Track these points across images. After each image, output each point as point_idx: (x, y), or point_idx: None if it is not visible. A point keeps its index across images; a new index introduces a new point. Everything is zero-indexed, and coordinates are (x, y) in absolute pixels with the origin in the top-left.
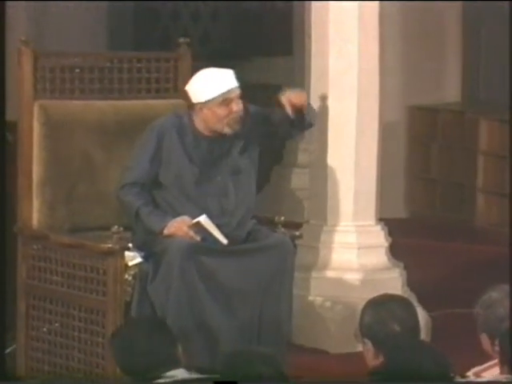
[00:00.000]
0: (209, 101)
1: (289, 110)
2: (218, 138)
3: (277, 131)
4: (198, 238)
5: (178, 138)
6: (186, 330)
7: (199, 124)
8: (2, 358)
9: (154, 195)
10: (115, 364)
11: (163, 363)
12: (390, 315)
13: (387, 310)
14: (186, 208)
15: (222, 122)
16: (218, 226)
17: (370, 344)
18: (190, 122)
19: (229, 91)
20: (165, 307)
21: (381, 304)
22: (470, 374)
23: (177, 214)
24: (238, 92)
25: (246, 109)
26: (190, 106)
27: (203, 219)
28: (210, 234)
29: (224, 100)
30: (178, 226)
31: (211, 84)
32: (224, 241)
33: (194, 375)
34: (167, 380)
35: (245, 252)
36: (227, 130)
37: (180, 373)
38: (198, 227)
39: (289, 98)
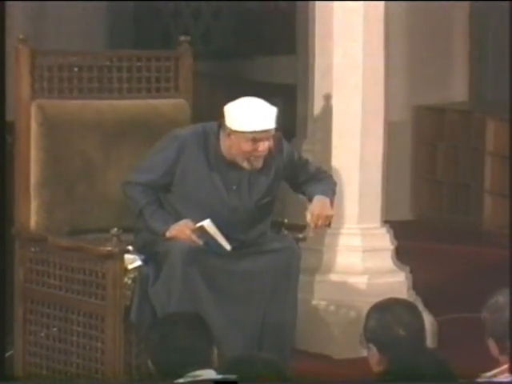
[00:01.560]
0: (239, 132)
1: (312, 227)
2: (239, 166)
3: (299, 186)
4: (201, 243)
5: (199, 155)
6: None
7: (224, 147)
8: (2, 361)
9: (160, 196)
10: (149, 357)
11: (197, 362)
12: (395, 320)
13: (392, 315)
14: (195, 216)
15: (243, 156)
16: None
17: (374, 349)
18: (216, 142)
19: (262, 131)
20: (166, 310)
21: (386, 308)
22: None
23: (181, 217)
24: (271, 133)
25: (280, 145)
26: (222, 125)
27: (207, 223)
28: (214, 239)
29: (253, 138)
30: (181, 230)
31: (248, 117)
32: (228, 247)
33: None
34: (188, 379)
35: (249, 256)
36: (246, 165)
37: (207, 373)
38: (202, 231)
39: (314, 216)
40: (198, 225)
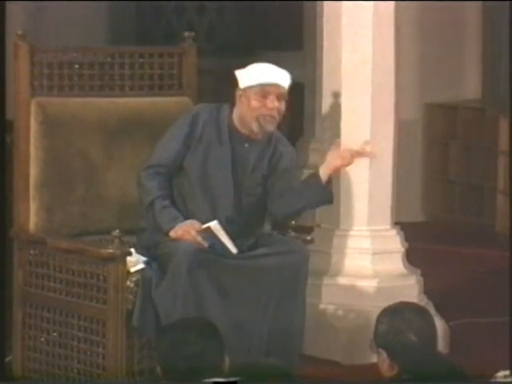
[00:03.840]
0: (247, 88)
1: (327, 171)
2: (251, 139)
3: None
4: (206, 245)
5: (212, 129)
6: None
7: (236, 117)
8: (2, 366)
9: (172, 186)
10: (158, 363)
11: (208, 370)
12: (406, 324)
13: (403, 319)
14: (196, 201)
15: (252, 115)
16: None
17: (384, 354)
18: (229, 115)
19: (269, 84)
20: (170, 314)
21: (396, 313)
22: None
23: (186, 209)
24: (280, 91)
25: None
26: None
27: (214, 225)
28: (220, 242)
29: (261, 91)
30: (186, 230)
31: (254, 72)
32: (234, 250)
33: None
34: None
35: (256, 258)
36: (255, 127)
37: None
38: (208, 233)
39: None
40: (205, 226)
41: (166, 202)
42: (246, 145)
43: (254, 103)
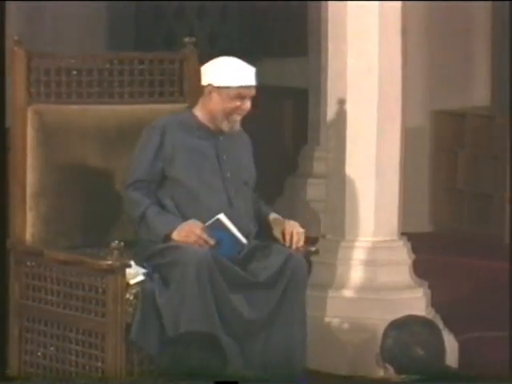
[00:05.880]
0: (224, 88)
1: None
2: (222, 132)
3: None
4: (212, 242)
5: (182, 133)
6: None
7: (203, 116)
8: (3, 373)
9: (160, 196)
10: (160, 377)
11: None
12: (413, 338)
13: (410, 333)
14: (192, 207)
15: (223, 115)
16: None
17: (391, 369)
18: (193, 117)
19: (247, 87)
20: (177, 320)
21: (403, 326)
22: None
23: (183, 216)
24: (253, 91)
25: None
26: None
27: (222, 217)
28: (230, 233)
29: (239, 94)
30: (190, 230)
31: (231, 73)
32: (243, 240)
33: None
34: None
35: (254, 272)
36: (225, 126)
37: None
38: (217, 226)
39: (290, 235)
40: (214, 219)
41: (159, 209)
42: (221, 138)
43: (231, 105)
